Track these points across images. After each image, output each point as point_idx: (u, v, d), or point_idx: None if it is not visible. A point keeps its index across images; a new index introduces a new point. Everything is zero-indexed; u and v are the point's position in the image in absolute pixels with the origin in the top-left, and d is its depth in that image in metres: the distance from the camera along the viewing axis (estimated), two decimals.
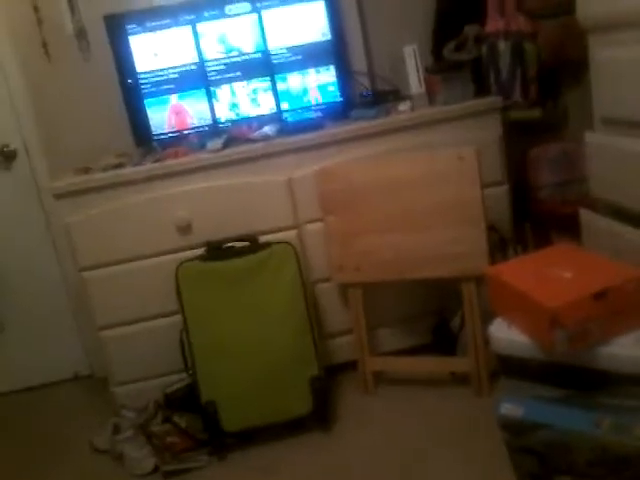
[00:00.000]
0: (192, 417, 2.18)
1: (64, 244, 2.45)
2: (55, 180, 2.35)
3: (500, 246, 2.23)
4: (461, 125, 2.27)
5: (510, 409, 1.50)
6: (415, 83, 2.36)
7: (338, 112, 2.46)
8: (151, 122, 2.46)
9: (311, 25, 2.42)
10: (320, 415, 2.13)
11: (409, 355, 2.33)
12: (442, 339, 2.31)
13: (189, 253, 2.21)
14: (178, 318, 2.16)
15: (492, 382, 2.12)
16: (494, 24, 2.37)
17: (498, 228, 2.24)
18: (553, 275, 1.61)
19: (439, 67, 2.39)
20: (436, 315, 2.35)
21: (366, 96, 2.47)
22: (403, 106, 2.33)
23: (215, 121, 2.47)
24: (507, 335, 1.61)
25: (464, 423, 2.02)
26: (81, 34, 2.58)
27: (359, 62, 2.61)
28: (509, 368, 1.63)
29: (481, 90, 2.38)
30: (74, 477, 2.18)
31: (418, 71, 2.36)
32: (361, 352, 2.28)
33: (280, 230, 2.27)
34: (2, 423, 2.65)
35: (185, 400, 2.21)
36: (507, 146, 2.32)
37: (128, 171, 2.26)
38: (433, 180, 2.08)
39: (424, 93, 2.36)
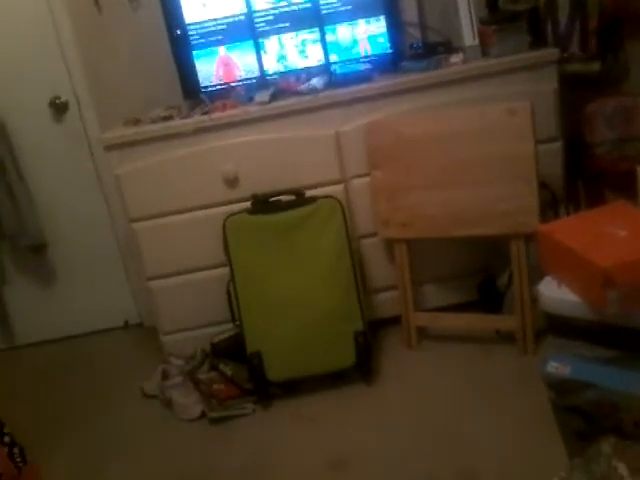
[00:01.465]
0: (238, 366, 2.23)
1: (114, 195, 2.50)
2: (105, 132, 2.38)
3: (551, 204, 2.18)
4: (515, 78, 2.19)
5: (557, 367, 1.49)
6: (468, 35, 2.29)
7: (388, 64, 2.40)
8: (199, 74, 2.45)
9: None
10: (363, 368, 2.16)
11: (454, 312, 2.32)
12: (488, 296, 2.29)
13: (236, 206, 2.23)
14: (225, 270, 2.20)
15: (538, 341, 2.10)
16: None
17: (550, 185, 2.19)
18: (607, 234, 1.56)
19: (494, 18, 2.30)
20: (482, 272, 2.32)
21: (417, 48, 2.40)
22: (455, 58, 2.26)
23: (263, 73, 2.45)
24: (557, 294, 1.59)
25: (508, 381, 2.02)
26: None
27: (410, 12, 2.53)
28: (557, 327, 1.61)
29: (537, 42, 2.29)
30: (125, 420, 2.27)
31: (472, 22, 2.28)
32: (405, 307, 2.28)
33: (326, 184, 2.26)
34: (55, 368, 2.76)
35: (231, 350, 2.26)
36: (562, 101, 2.24)
37: (176, 123, 2.27)
38: (484, 135, 2.03)
39: (477, 45, 2.29)
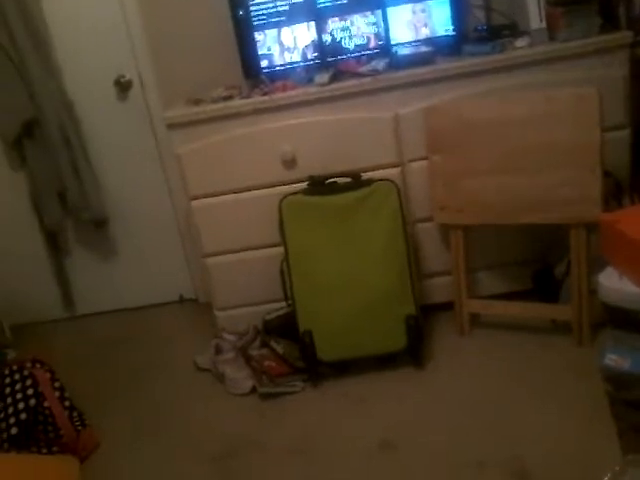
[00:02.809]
0: (289, 344, 2.26)
1: (174, 173, 2.55)
2: (167, 110, 2.43)
3: (615, 193, 2.12)
4: (584, 63, 2.13)
5: (615, 360, 1.46)
6: (535, 17, 2.22)
7: (450, 47, 2.35)
8: None
9: None
10: (413, 352, 2.15)
11: (509, 300, 2.28)
12: (544, 285, 2.24)
13: (293, 187, 2.25)
14: (280, 249, 2.23)
15: (594, 332, 2.06)
16: None
17: (614, 174, 2.12)
18: None
19: None
20: (539, 260, 2.28)
21: (481, 30, 2.36)
22: (521, 42, 2.21)
23: (323, 54, 2.44)
24: (618, 285, 1.55)
25: (562, 371, 1.98)
26: None
27: None
28: (616, 319, 1.57)
29: (608, 25, 2.21)
30: (178, 392, 2.34)
31: (539, 4, 2.21)
32: (459, 293, 2.26)
33: (383, 167, 2.25)
34: (112, 338, 2.85)
35: (283, 328, 2.29)
36: (632, 87, 2.16)
37: (237, 103, 2.30)
38: (549, 121, 1.98)
39: (544, 28, 2.22)
